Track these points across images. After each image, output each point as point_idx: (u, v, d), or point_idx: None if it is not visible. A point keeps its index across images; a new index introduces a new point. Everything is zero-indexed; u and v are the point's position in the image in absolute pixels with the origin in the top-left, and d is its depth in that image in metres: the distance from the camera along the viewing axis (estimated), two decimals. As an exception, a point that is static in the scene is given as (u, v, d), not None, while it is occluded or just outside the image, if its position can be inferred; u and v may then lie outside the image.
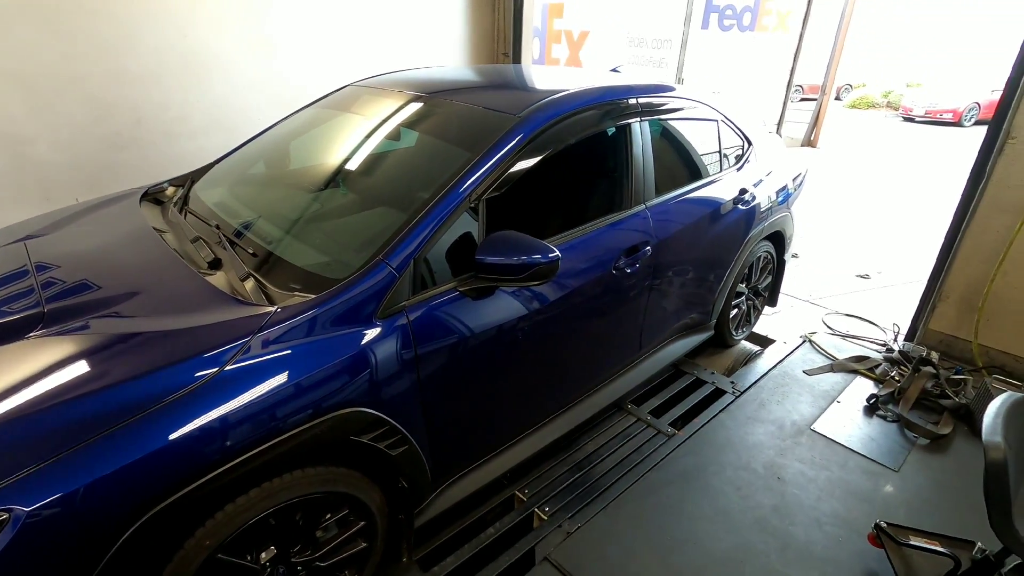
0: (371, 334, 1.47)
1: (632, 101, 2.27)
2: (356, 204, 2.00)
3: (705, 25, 8.41)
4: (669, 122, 2.56)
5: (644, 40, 8.58)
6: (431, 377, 1.60)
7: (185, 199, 2.18)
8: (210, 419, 1.20)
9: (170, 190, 2.35)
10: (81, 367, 1.25)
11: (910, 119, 14.71)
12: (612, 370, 2.44)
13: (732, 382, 2.89)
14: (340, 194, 2.07)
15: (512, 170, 1.80)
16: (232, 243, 1.73)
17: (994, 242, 2.88)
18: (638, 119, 2.26)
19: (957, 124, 13.58)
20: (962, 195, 2.97)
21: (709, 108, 2.69)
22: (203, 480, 1.19)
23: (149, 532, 1.14)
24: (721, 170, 2.73)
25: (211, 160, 2.56)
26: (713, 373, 2.97)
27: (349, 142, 2.26)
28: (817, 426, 2.58)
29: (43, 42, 3.17)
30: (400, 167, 2.08)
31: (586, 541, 1.97)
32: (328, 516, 1.53)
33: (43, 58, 3.19)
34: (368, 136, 2.17)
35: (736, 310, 3.13)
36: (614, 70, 3.18)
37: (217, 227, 1.83)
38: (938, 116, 14.02)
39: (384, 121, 2.18)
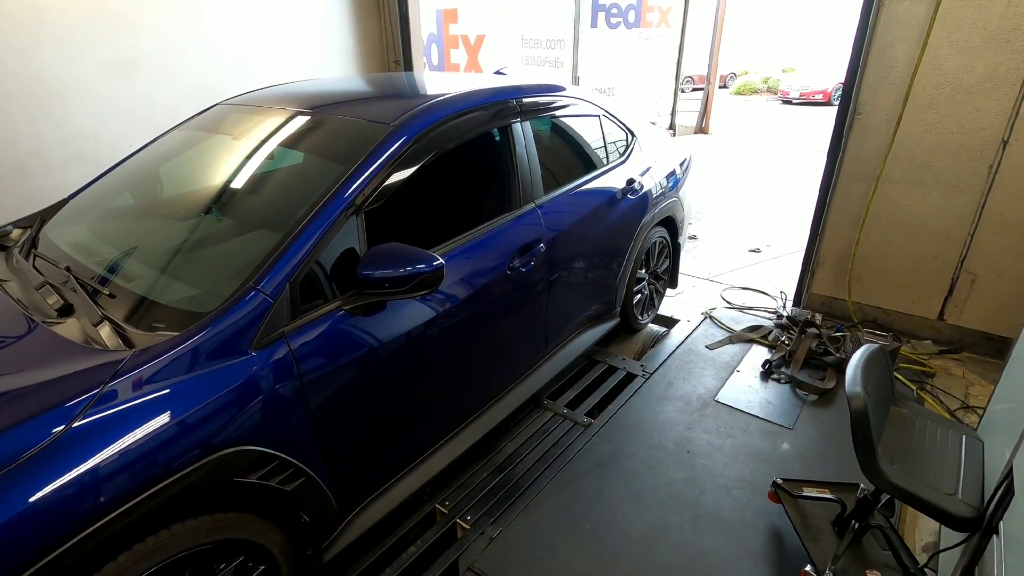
0: (248, 367, 1.38)
1: (513, 102, 2.29)
2: (231, 230, 1.89)
3: (594, 24, 8.71)
4: (552, 120, 2.61)
5: (539, 41, 8.77)
6: (323, 404, 1.53)
7: (33, 241, 1.97)
8: (54, 488, 1.08)
9: (15, 233, 2.11)
10: None
11: (788, 102, 15.99)
12: (521, 369, 2.46)
13: (642, 365, 3.00)
14: (213, 221, 1.95)
15: (390, 180, 1.76)
16: (84, 285, 1.58)
17: (855, 208, 3.17)
18: (519, 119, 2.29)
19: (828, 103, 14.91)
20: (825, 168, 3.25)
21: (590, 104, 2.78)
22: (51, 557, 1.06)
23: (-8, 623, 1.01)
24: (608, 163, 2.82)
25: (65, 195, 2.32)
26: (624, 359, 3.07)
27: (219, 165, 2.13)
28: (720, 396, 2.73)
29: None
30: (275, 187, 1.98)
31: (509, 544, 1.96)
32: (223, 566, 1.42)
33: None
34: (240, 157, 2.06)
35: (639, 295, 3.25)
36: (499, 72, 3.21)
37: (67, 269, 1.66)
38: (811, 97, 15.34)
39: (256, 140, 2.07)
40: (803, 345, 2.98)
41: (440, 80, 2.71)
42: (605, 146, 2.84)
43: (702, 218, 5.57)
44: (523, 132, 2.30)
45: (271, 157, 2.03)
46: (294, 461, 1.46)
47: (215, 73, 4.00)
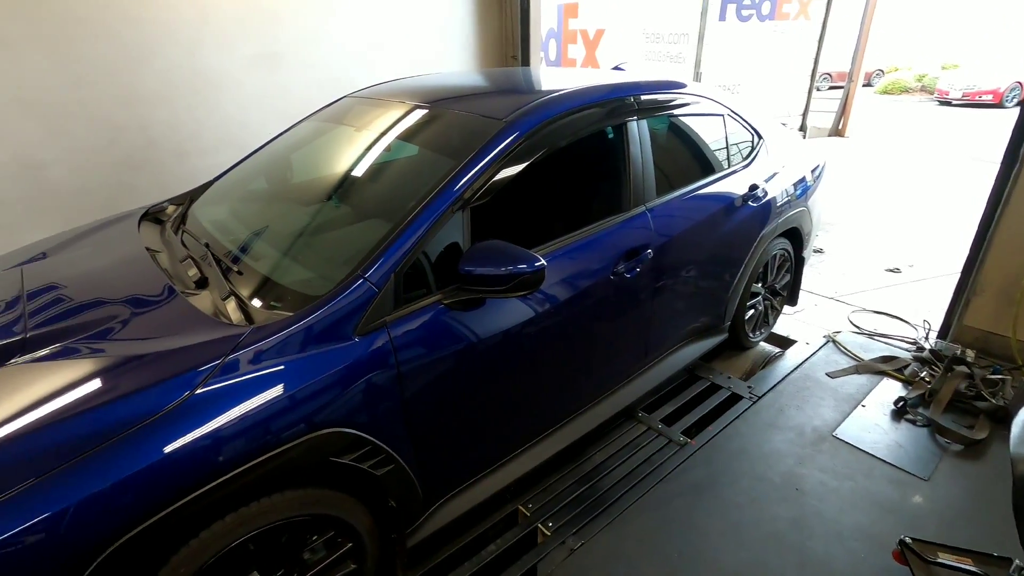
0: (350, 352, 1.43)
1: (630, 100, 2.18)
2: (347, 217, 1.98)
3: (723, 16, 8.20)
4: (671, 119, 2.46)
5: (660, 35, 8.42)
6: (417, 394, 1.55)
7: (183, 218, 2.19)
8: (181, 444, 1.18)
9: (170, 209, 2.37)
10: (54, 395, 1.24)
11: (947, 102, 14.09)
12: (617, 378, 2.36)
13: (749, 387, 2.77)
14: (332, 207, 2.05)
15: (498, 176, 1.74)
16: (219, 261, 1.72)
17: (1032, 230, 2.69)
18: (635, 118, 2.18)
19: (998, 105, 12.94)
20: (996, 179, 2.78)
21: (713, 102, 2.59)
22: (175, 507, 1.17)
23: (119, 561, 1.12)
24: (729, 167, 2.61)
25: (212, 177, 2.58)
26: (729, 377, 2.85)
27: (342, 154, 2.24)
28: (840, 432, 2.44)
29: (53, 68, 3.26)
30: (389, 178, 2.04)
31: (590, 559, 1.89)
32: (314, 538, 1.50)
33: (54, 84, 3.28)
34: (360, 148, 2.15)
35: (752, 311, 3.00)
36: (617, 67, 3.10)
37: (207, 245, 1.82)
38: (976, 98, 13.38)
39: (376, 132, 2.15)
40: (949, 385, 2.58)
41: (556, 76, 2.66)
42: (727, 148, 2.64)
43: (832, 230, 5.05)
44: (638, 131, 2.18)
45: (388, 149, 2.09)
46: (385, 447, 1.50)
47: (344, 65, 4.25)
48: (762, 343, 3.21)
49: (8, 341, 1.42)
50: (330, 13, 4.10)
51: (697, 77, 8.07)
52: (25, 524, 1.04)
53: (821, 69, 9.11)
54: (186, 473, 1.19)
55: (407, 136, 2.06)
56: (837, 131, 9.74)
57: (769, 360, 3.06)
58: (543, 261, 1.57)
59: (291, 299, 1.51)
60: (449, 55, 4.89)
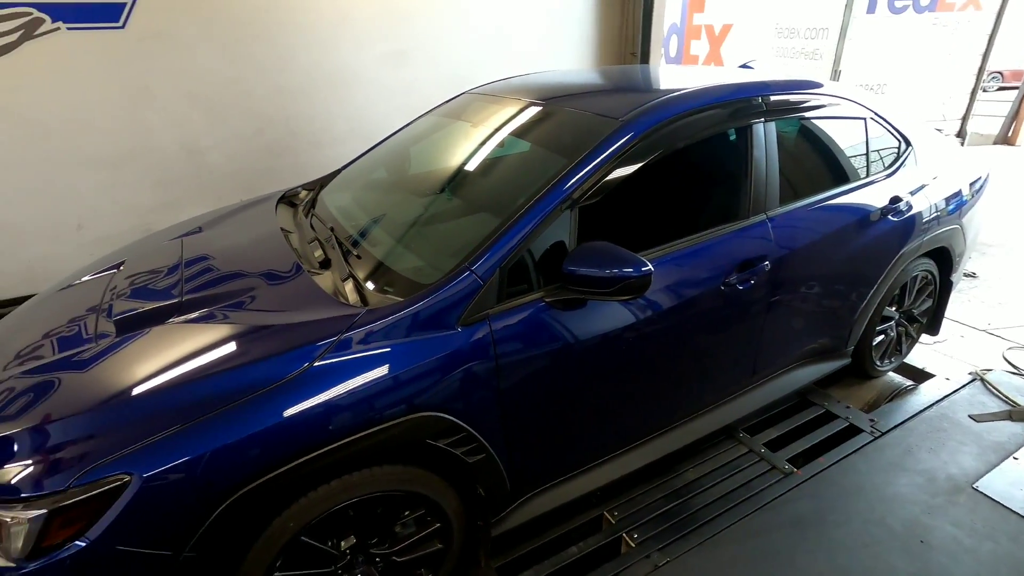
0: (452, 341, 1.48)
1: (757, 100, 2.05)
2: (459, 210, 2.05)
3: (872, 8, 7.42)
4: (803, 122, 2.28)
5: (796, 30, 7.81)
6: (512, 388, 1.58)
7: (313, 202, 2.39)
8: (296, 411, 1.29)
9: (303, 194, 2.59)
10: (199, 353, 1.42)
11: None
12: (719, 395, 2.23)
13: (872, 420, 2.50)
14: (446, 200, 2.13)
15: (611, 176, 1.71)
16: (341, 245, 1.86)
17: None
18: (762, 120, 2.04)
19: None
20: None
21: (855, 104, 2.35)
22: (288, 467, 1.28)
23: (239, 509, 1.26)
24: (868, 175, 2.37)
25: (339, 166, 2.78)
26: (848, 407, 2.59)
27: (458, 149, 2.32)
28: (983, 485, 2.13)
29: (219, 65, 3.69)
30: (501, 174, 2.09)
31: (675, 578, 1.81)
32: (406, 513, 1.58)
33: (218, 80, 3.71)
34: (475, 143, 2.21)
35: (882, 336, 2.70)
36: (745, 66, 2.92)
37: (331, 229, 1.97)
38: None
39: (491, 128, 2.20)
40: None
41: (677, 74, 2.56)
42: (867, 155, 2.39)
43: (991, 253, 4.41)
44: (764, 134, 2.04)
45: (501, 145, 2.13)
46: (478, 437, 1.54)
47: (467, 61, 4.40)
48: (891, 373, 2.89)
49: (169, 303, 1.64)
50: (458, 12, 4.25)
51: (835, 76, 7.39)
52: (171, 463, 1.20)
53: (990, 67, 7.96)
54: (301, 437, 1.30)
55: (521, 133, 2.09)
56: (1006, 139, 8.47)
57: (898, 393, 2.74)
58: (650, 266, 1.52)
59: (402, 285, 1.59)
60: (568, 52, 4.88)
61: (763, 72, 2.43)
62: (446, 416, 1.46)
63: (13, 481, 1.19)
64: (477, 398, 1.52)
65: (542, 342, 1.60)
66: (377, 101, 4.20)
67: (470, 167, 2.14)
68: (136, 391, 1.32)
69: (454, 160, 2.29)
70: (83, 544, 1.15)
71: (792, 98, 2.17)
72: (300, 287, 1.67)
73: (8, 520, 1.15)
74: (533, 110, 2.11)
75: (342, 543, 1.49)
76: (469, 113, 2.42)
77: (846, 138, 2.37)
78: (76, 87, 3.47)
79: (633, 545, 1.94)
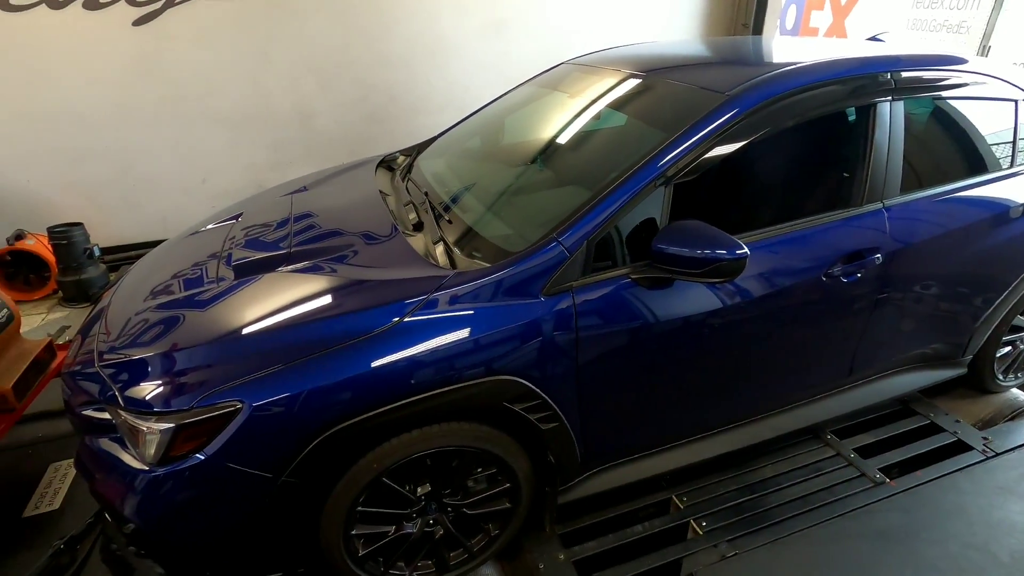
0: (535, 309, 1.50)
1: (885, 77, 1.86)
2: (549, 181, 2.05)
3: (1038, -26, 6.41)
4: (938, 103, 2.05)
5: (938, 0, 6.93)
6: (591, 361, 1.58)
7: (409, 168, 2.49)
8: (384, 363, 1.38)
9: (400, 159, 2.70)
10: (306, 300, 1.54)
11: None
12: (808, 392, 2.11)
13: (985, 438, 2.26)
14: (537, 170, 2.14)
15: (711, 154, 1.64)
16: (434, 209, 1.93)
17: None
18: (890, 98, 1.85)
19: None
20: None
21: (1006, 84, 2.07)
22: (374, 413, 1.38)
23: (330, 446, 1.37)
24: (1012, 166, 2.10)
25: (435, 133, 2.86)
26: (958, 421, 2.36)
27: (554, 120, 2.31)
28: (1116, 524, 1.88)
29: (331, 33, 3.88)
30: (596, 147, 2.06)
31: (742, 570, 1.77)
32: (479, 470, 1.65)
33: (330, 48, 3.91)
34: (570, 114, 2.19)
35: (1008, 348, 2.42)
36: (874, 38, 2.65)
37: (426, 194, 2.05)
38: None
39: (590, 100, 2.17)
40: None
41: (794, 46, 2.37)
42: (1014, 143, 2.11)
43: None
44: (891, 114, 1.86)
45: (597, 117, 2.10)
46: (553, 405, 1.57)
47: (567, 31, 4.32)
48: (1015, 390, 2.59)
49: (279, 253, 1.79)
50: (560, -21, 4.16)
51: (983, 52, 6.51)
52: (274, 397, 1.33)
53: None
54: (387, 387, 1.38)
55: (618, 105, 2.04)
56: None
57: (1020, 412, 2.46)
58: (746, 249, 1.45)
59: (490, 251, 1.63)
60: (674, 23, 4.66)
61: (895, 46, 2.20)
62: (523, 382, 1.50)
63: (147, 397, 1.37)
64: (555, 368, 1.54)
65: (624, 319, 1.59)
66: (474, 72, 4.25)
67: (563, 138, 2.13)
68: (248, 330, 1.47)
69: (548, 131, 2.28)
70: (201, 458, 1.31)
71: (928, 75, 1.95)
72: (395, 247, 1.76)
73: (144, 429, 1.33)
74: (633, 82, 2.05)
75: (418, 489, 1.58)
76: (566, 84, 2.40)
77: (990, 122, 2.10)
78: (209, 52, 3.80)
79: (701, 532, 1.91)
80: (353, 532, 1.54)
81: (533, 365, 1.51)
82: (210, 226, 2.23)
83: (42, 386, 2.21)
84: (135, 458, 1.38)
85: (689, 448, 1.95)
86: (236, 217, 2.21)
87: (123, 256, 4.06)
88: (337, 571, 1.58)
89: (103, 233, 3.95)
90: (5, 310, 2.15)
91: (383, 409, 1.38)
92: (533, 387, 1.52)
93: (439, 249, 1.70)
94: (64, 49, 3.57)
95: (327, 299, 1.54)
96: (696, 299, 1.67)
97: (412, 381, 1.41)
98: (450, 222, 1.86)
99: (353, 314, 1.45)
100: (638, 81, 2.04)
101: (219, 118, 4.00)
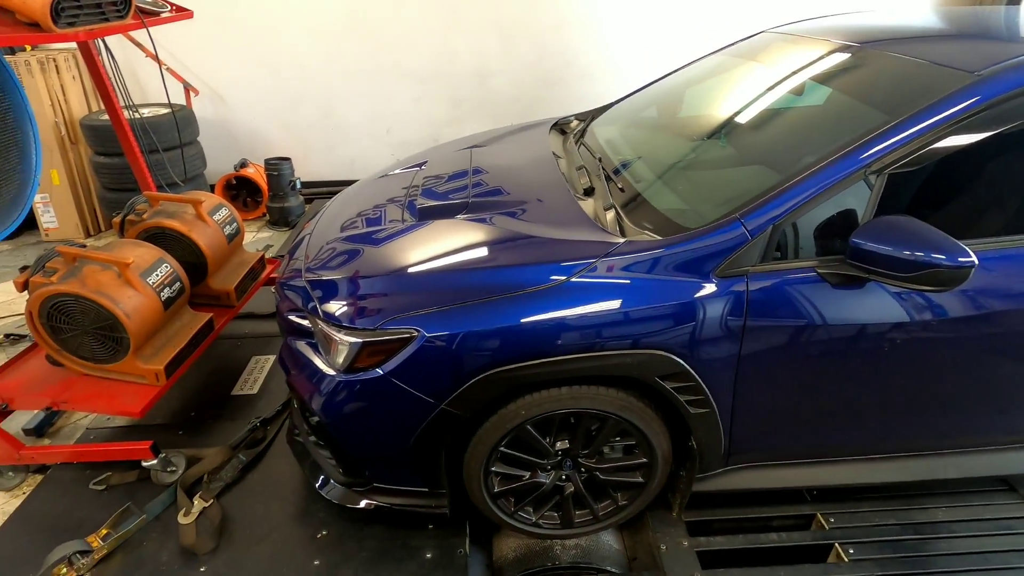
0: (705, 289, 1.45)
1: None
2: (731, 159, 1.94)
3: None
4: None
5: None
6: (755, 353, 1.49)
7: (582, 132, 2.49)
8: (548, 317, 1.43)
9: (574, 123, 2.71)
10: (479, 248, 1.64)
11: None
12: (1010, 435, 1.79)
13: None
14: (718, 146, 2.03)
15: (943, 143, 1.42)
16: (606, 176, 1.92)
17: None
18: None
19: None
20: None
21: None
22: (530, 363, 1.44)
23: (486, 385, 1.46)
24: None
25: (610, 100, 2.82)
26: None
27: (744, 93, 2.15)
28: None
29: (518, -6, 3.95)
30: (792, 125, 1.88)
31: (890, 612, 1.60)
32: (618, 439, 1.66)
33: (514, 7, 3.99)
34: (765, 87, 2.02)
35: None
36: None
37: (599, 160, 2.04)
38: None
39: (787, 72, 1.98)
40: None
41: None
42: None
43: None
44: None
45: (797, 92, 1.91)
46: (706, 390, 1.51)
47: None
48: None
49: (458, 201, 1.92)
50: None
51: None
52: (442, 332, 1.45)
53: None
54: (547, 340, 1.44)
55: (825, 80, 1.84)
56: None
57: None
58: (973, 258, 1.25)
59: (662, 224, 1.59)
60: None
61: None
62: (679, 361, 1.46)
63: (340, 313, 1.57)
64: (715, 352, 1.48)
65: (800, 314, 1.47)
66: (656, 44, 4.08)
67: (753, 114, 1.98)
68: (426, 268, 1.61)
69: (735, 105, 2.13)
70: (380, 372, 1.48)
71: None
72: (565, 208, 1.79)
73: (337, 340, 1.53)
74: (845, 55, 1.83)
75: (557, 443, 1.64)
76: (765, 54, 2.20)
77: None
78: (410, 10, 4.09)
79: (846, 559, 1.75)
80: (493, 469, 1.65)
81: (692, 346, 1.46)
82: (397, 171, 2.44)
83: (254, 291, 2.65)
84: (325, 363, 1.60)
85: (850, 467, 1.78)
86: (420, 165, 2.39)
87: (316, 191, 4.63)
88: (473, 499, 1.72)
89: (303, 169, 4.52)
90: (235, 224, 2.58)
91: (538, 362, 1.44)
92: (689, 368, 1.48)
93: (609, 215, 1.70)
94: (292, 4, 4.08)
95: (499, 250, 1.62)
96: (889, 307, 1.49)
97: (568, 340, 1.44)
98: (622, 190, 1.83)
99: (522, 267, 1.51)
100: (851, 54, 1.82)
101: (409, 73, 4.32)
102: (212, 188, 4.30)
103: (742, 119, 2.02)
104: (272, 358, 2.67)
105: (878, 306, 1.48)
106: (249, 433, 2.18)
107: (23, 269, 1.90)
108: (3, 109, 2.22)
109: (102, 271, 1.92)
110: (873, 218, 1.42)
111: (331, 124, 4.50)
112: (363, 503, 1.73)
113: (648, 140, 2.30)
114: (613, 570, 1.81)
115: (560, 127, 2.69)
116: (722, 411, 1.57)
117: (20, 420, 2.26)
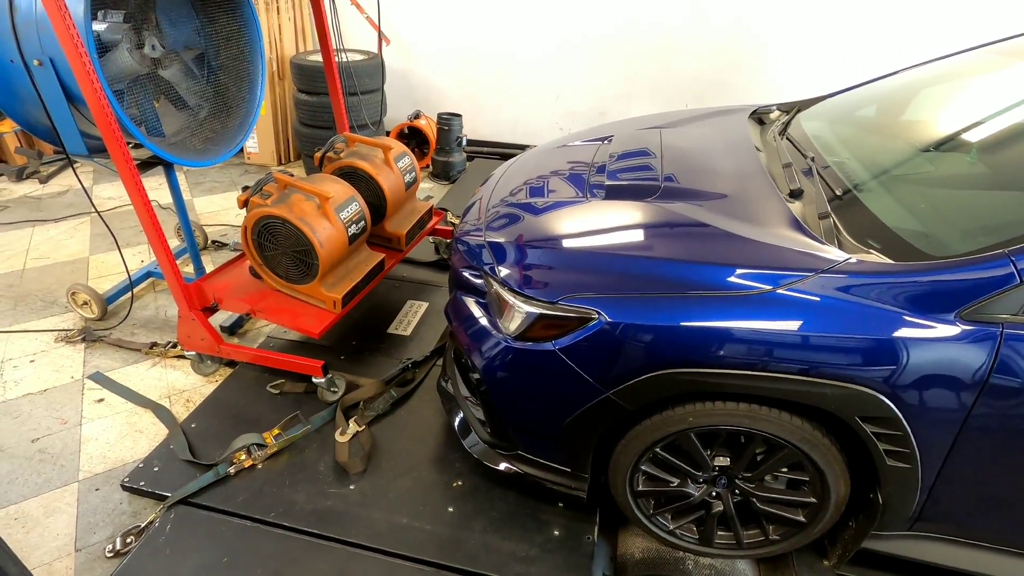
0: (944, 330, 1.23)
1: None
2: (984, 179, 1.63)
3: None
4: None
5: None
6: (989, 415, 1.26)
7: (786, 125, 2.24)
8: (745, 326, 1.31)
9: (775, 114, 2.45)
10: (672, 238, 1.54)
11: None
12: None
13: None
14: (966, 161, 1.72)
15: None
16: (822, 179, 1.70)
17: None
18: None
19: None
20: None
21: None
22: (717, 371, 1.33)
23: (657, 384, 1.39)
24: None
25: (804, 97, 2.51)
26: None
27: (1007, 101, 1.79)
28: None
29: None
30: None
31: None
32: (784, 471, 1.51)
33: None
34: (1048, 99, 1.66)
35: None
36: None
37: (812, 159, 1.82)
38: None
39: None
40: None
41: None
42: None
43: None
44: None
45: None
46: (914, 444, 1.31)
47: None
48: None
49: (650, 183, 1.82)
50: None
51: None
52: (626, 321, 1.38)
53: None
54: (738, 351, 1.31)
55: None
56: None
57: None
58: None
59: (894, 245, 1.38)
60: None
61: None
62: (891, 405, 1.27)
63: (515, 279, 1.56)
64: (938, 406, 1.27)
65: (1068, 383, 1.20)
66: (868, 33, 3.56)
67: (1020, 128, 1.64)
68: (616, 249, 1.54)
69: (992, 113, 1.78)
70: (552, 347, 1.46)
71: None
72: (771, 209, 1.61)
73: (513, 304, 1.53)
74: None
75: (717, 458, 1.53)
76: (1053, 57, 1.80)
77: None
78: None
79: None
80: (642, 467, 1.59)
81: (911, 391, 1.26)
82: (578, 143, 2.38)
83: (420, 238, 2.77)
84: (495, 326, 1.61)
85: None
86: (605, 140, 2.31)
87: (477, 149, 4.74)
88: (613, 491, 1.68)
89: (469, 126, 4.63)
90: (414, 173, 2.70)
91: (726, 371, 1.33)
92: (899, 414, 1.28)
93: (823, 224, 1.51)
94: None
95: (695, 243, 1.51)
96: None
97: (762, 356, 1.31)
98: (840, 197, 1.62)
99: (722, 267, 1.39)
100: None
101: (586, 42, 4.19)
102: (387, 134, 4.57)
103: (1003, 131, 1.69)
104: (425, 305, 2.81)
105: None
106: (400, 372, 2.32)
107: (244, 189, 2.13)
108: (245, 44, 2.48)
109: (306, 200, 2.10)
110: None
111: (503, 85, 4.54)
112: (503, 466, 1.76)
113: (874, 145, 2.01)
114: (744, 601, 1.69)
115: (759, 116, 2.46)
116: (926, 471, 1.35)
117: (218, 319, 2.60)
